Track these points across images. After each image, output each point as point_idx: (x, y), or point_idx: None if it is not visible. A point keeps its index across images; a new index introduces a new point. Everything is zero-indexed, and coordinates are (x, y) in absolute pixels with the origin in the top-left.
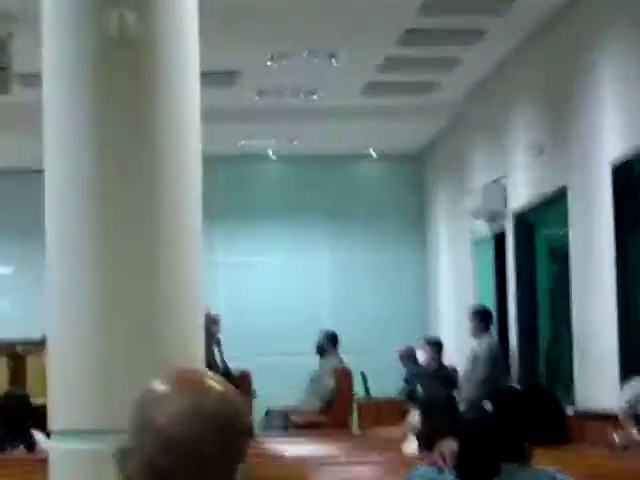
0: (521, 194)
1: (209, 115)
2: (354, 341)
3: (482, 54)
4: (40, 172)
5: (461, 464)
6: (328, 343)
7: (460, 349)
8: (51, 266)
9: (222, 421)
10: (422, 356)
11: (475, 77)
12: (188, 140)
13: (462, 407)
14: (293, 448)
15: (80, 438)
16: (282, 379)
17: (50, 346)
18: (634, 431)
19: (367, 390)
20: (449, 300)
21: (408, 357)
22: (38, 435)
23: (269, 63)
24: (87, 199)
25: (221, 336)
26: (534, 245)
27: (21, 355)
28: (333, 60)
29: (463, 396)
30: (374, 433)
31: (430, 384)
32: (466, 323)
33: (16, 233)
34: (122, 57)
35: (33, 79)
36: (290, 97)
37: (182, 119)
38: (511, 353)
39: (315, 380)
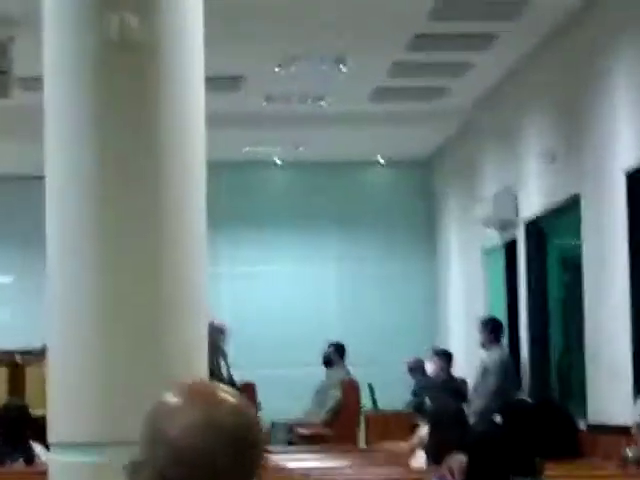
0: (533, 202)
1: (214, 120)
2: (362, 352)
3: (493, 59)
4: (41, 178)
5: (470, 479)
6: (335, 354)
7: (470, 360)
8: (52, 269)
9: (235, 434)
10: (431, 367)
11: (486, 83)
12: (191, 143)
13: (472, 420)
14: (298, 462)
15: (80, 450)
16: (287, 391)
17: (51, 350)
18: None
19: (374, 402)
20: (459, 310)
21: (417, 369)
22: (37, 447)
23: (276, 69)
24: (88, 201)
25: (227, 347)
26: (546, 254)
27: (21, 365)
28: (341, 65)
29: (473, 409)
30: (381, 447)
31: (439, 396)
32: (476, 334)
33: (16, 241)
34: (124, 60)
35: (34, 83)
36: (297, 103)
37: (185, 122)
38: (522, 365)
39: (321, 392)
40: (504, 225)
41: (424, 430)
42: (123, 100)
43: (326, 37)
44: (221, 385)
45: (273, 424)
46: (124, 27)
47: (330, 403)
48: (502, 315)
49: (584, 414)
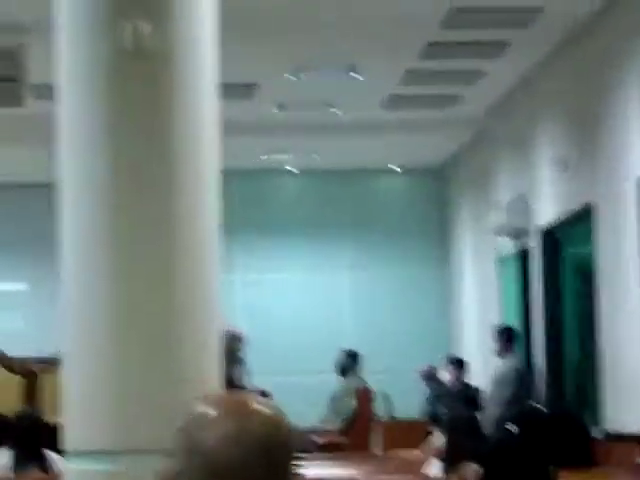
0: (547, 210)
1: (227, 128)
2: (376, 360)
3: (506, 67)
4: (54, 186)
5: None
6: (349, 362)
7: (484, 369)
8: (66, 277)
9: (269, 445)
10: (445, 376)
11: (499, 91)
12: (205, 151)
13: (486, 428)
14: (313, 470)
15: (94, 458)
16: (302, 399)
17: (64, 358)
18: None
19: (389, 411)
20: (473, 319)
21: (431, 377)
22: (52, 455)
23: (290, 76)
24: (102, 209)
25: (245, 355)
26: (560, 262)
27: (35, 373)
28: (355, 73)
29: (487, 417)
30: (396, 455)
31: (454, 405)
32: (490, 342)
33: (30, 249)
34: (137, 68)
35: (46, 91)
36: (311, 110)
37: (199, 130)
38: (537, 373)
39: (336, 400)
40: (518, 233)
41: (438, 438)
42: (136, 108)
43: (339, 45)
44: (256, 396)
45: None
46: (137, 35)
47: (344, 411)
48: (516, 323)
49: (599, 422)
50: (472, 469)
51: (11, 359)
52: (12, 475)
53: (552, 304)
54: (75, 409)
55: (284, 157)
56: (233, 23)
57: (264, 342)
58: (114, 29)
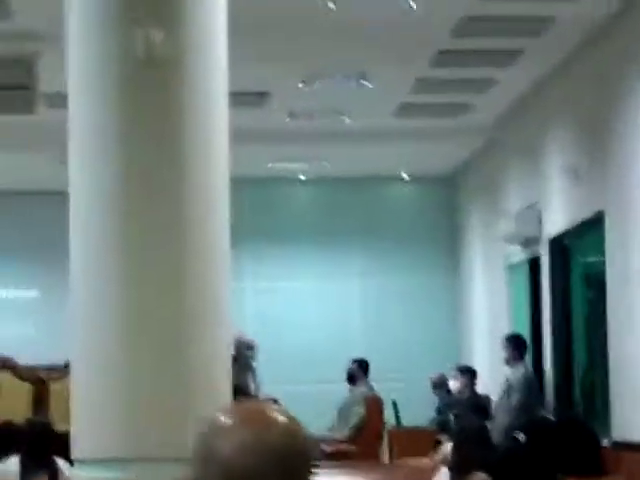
0: (557, 219)
1: (238, 136)
2: (385, 369)
3: (517, 76)
4: (65, 193)
5: None
6: (358, 371)
7: (494, 377)
8: (76, 283)
9: (285, 454)
10: (455, 384)
11: (510, 99)
12: (215, 158)
13: (495, 437)
14: (321, 479)
15: (103, 466)
16: (311, 407)
17: (74, 365)
18: None
19: (398, 419)
20: (482, 327)
21: (440, 385)
22: (61, 463)
23: (301, 85)
24: (112, 215)
25: (256, 363)
26: (570, 271)
27: (45, 381)
28: (365, 82)
29: (497, 426)
30: (404, 463)
31: (463, 414)
32: (500, 351)
33: (40, 256)
34: (148, 75)
35: (58, 99)
36: (321, 119)
37: (209, 137)
38: (546, 382)
39: (345, 408)
40: (528, 242)
41: (447, 447)
42: (147, 115)
43: (350, 53)
44: (274, 405)
45: None
46: (149, 43)
47: (353, 420)
48: (526, 332)
49: (608, 431)
50: (481, 478)
51: (20, 367)
52: None
53: (561, 312)
54: (85, 416)
55: (295, 165)
56: (245, 32)
57: (274, 350)
58: (126, 37)
